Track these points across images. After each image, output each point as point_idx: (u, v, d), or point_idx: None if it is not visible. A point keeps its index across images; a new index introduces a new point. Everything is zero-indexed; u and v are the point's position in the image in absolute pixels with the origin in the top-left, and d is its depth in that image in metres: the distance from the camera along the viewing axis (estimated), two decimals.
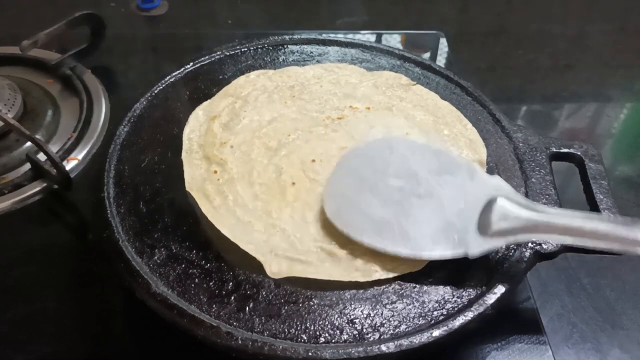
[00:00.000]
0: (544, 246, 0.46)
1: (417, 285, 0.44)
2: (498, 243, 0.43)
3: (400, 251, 0.43)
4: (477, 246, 0.42)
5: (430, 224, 0.44)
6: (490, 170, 0.53)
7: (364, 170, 0.49)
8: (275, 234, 0.46)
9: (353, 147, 0.52)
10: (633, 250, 0.39)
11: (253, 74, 0.61)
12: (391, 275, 0.44)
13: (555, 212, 0.42)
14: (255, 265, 0.44)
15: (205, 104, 0.57)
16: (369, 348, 0.39)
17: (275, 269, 0.43)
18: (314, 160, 0.52)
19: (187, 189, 0.49)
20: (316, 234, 0.46)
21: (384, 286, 0.43)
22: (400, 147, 0.50)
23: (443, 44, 0.85)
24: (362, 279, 0.43)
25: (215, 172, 0.50)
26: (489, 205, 0.44)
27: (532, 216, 0.42)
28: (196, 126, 0.55)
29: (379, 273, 0.44)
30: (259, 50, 0.65)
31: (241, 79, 0.61)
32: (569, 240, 0.41)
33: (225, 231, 0.45)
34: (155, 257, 0.44)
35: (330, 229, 0.46)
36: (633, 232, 0.39)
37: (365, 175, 0.48)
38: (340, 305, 0.42)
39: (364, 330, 0.41)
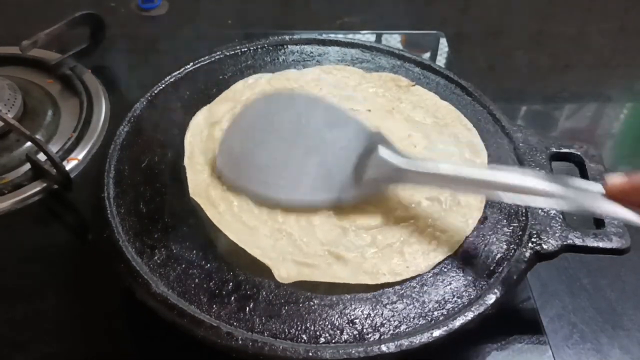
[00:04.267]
0: (544, 246, 0.46)
1: (417, 286, 0.44)
2: (368, 190, 0.46)
3: (274, 195, 0.46)
4: (349, 193, 0.46)
5: (312, 173, 0.48)
6: None
7: (258, 124, 0.51)
8: (281, 238, 0.45)
9: (253, 100, 0.53)
10: (491, 194, 0.44)
11: (251, 79, 0.61)
12: (399, 278, 0.44)
13: (424, 160, 0.47)
14: (256, 266, 0.44)
15: (204, 109, 0.57)
16: (369, 348, 0.39)
17: (284, 273, 0.43)
18: None
19: (191, 195, 0.48)
20: (323, 238, 0.46)
21: (384, 286, 0.43)
22: (297, 103, 0.53)
23: (443, 44, 0.85)
24: (370, 282, 0.43)
25: (219, 178, 0.50)
26: (367, 155, 0.47)
27: (401, 164, 0.45)
28: (197, 132, 0.54)
29: (386, 276, 0.44)
30: (259, 50, 0.65)
31: (239, 84, 0.60)
32: (435, 185, 0.46)
33: (232, 236, 0.45)
34: (156, 257, 0.44)
35: (337, 232, 0.46)
36: (491, 175, 0.43)
37: (259, 128, 0.51)
38: (341, 305, 0.42)
39: (364, 330, 0.41)
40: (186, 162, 0.51)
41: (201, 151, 0.52)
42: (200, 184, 0.49)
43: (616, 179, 0.38)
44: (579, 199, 0.39)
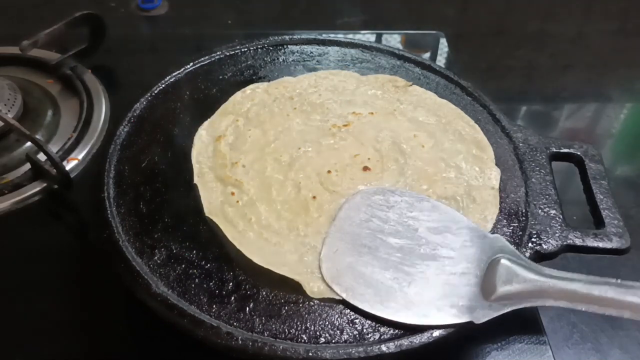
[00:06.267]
0: (544, 246, 0.46)
1: None
2: (503, 309, 0.41)
3: (404, 319, 0.41)
4: (482, 313, 0.41)
5: (433, 289, 0.42)
6: None
7: (361, 229, 0.46)
8: (306, 252, 0.45)
9: (348, 199, 0.49)
10: None
11: (248, 89, 0.60)
12: None
13: (562, 275, 0.41)
14: (256, 266, 0.44)
15: (206, 124, 0.56)
16: (369, 348, 0.39)
17: (316, 288, 0.43)
18: (329, 172, 0.51)
19: (207, 214, 0.48)
20: None
21: None
22: (398, 202, 0.48)
23: (443, 44, 0.85)
24: None
25: (233, 193, 0.49)
26: (492, 266, 0.43)
27: (539, 280, 0.41)
28: (202, 148, 0.54)
29: None
30: (259, 50, 0.65)
31: (237, 95, 0.59)
32: (577, 306, 0.40)
33: (256, 259, 0.45)
34: (156, 258, 0.44)
35: None
36: None
37: (363, 234, 0.46)
38: (341, 305, 0.42)
39: (364, 330, 0.41)
40: (197, 180, 0.51)
41: (209, 168, 0.52)
42: (214, 202, 0.49)
43: None
44: None
